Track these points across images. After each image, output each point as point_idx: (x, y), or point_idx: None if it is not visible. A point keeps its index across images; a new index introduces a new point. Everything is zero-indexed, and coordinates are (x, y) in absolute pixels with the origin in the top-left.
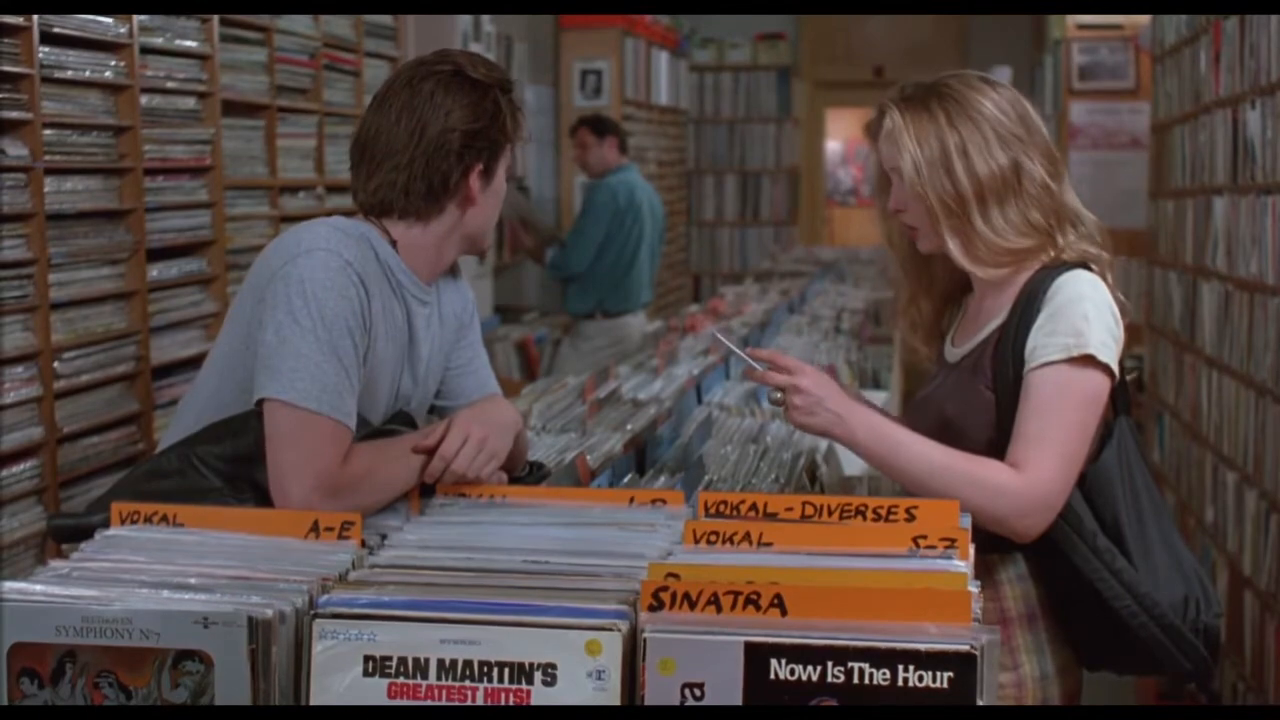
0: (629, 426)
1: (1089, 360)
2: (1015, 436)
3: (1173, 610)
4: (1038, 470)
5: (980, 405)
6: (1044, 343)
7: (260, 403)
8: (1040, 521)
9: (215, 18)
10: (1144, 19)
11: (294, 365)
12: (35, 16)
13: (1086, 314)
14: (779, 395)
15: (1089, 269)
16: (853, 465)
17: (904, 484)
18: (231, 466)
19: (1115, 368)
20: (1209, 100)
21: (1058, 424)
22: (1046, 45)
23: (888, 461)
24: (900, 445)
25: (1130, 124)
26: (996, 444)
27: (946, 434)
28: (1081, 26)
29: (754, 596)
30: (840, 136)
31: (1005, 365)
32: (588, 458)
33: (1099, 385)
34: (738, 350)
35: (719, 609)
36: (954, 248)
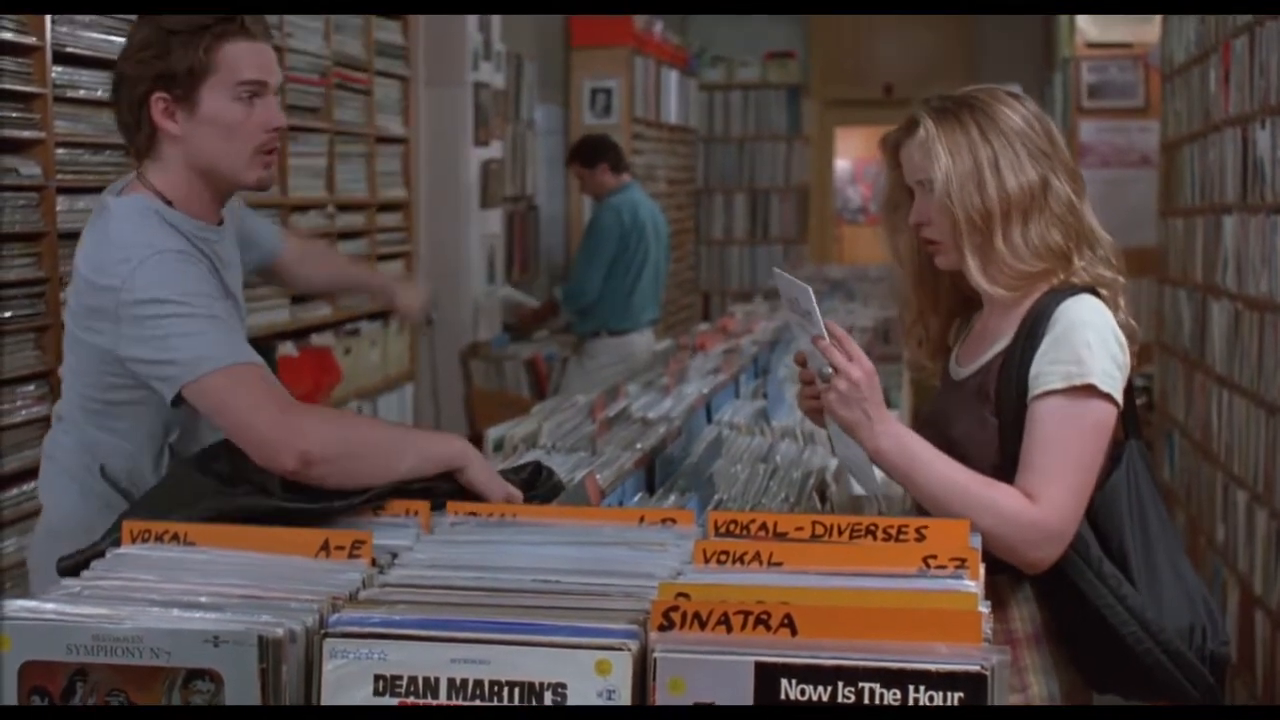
0: (639, 445)
1: (1091, 390)
2: (1024, 467)
3: (1179, 637)
4: (1050, 504)
5: (984, 430)
6: (1046, 370)
7: (180, 400)
8: (1052, 554)
9: None
10: (1153, 37)
11: (182, 347)
12: (48, 36)
13: (1089, 342)
14: (829, 372)
15: (1096, 294)
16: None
17: (921, 500)
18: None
19: (1119, 395)
20: (1219, 119)
21: (1066, 457)
22: (1056, 63)
23: (906, 475)
24: (920, 460)
25: (1140, 142)
26: (1000, 468)
27: (951, 455)
28: (1091, 45)
29: (764, 616)
30: (849, 155)
31: (1009, 390)
32: (598, 477)
33: (1103, 414)
34: (814, 312)
35: (729, 629)
36: (972, 265)
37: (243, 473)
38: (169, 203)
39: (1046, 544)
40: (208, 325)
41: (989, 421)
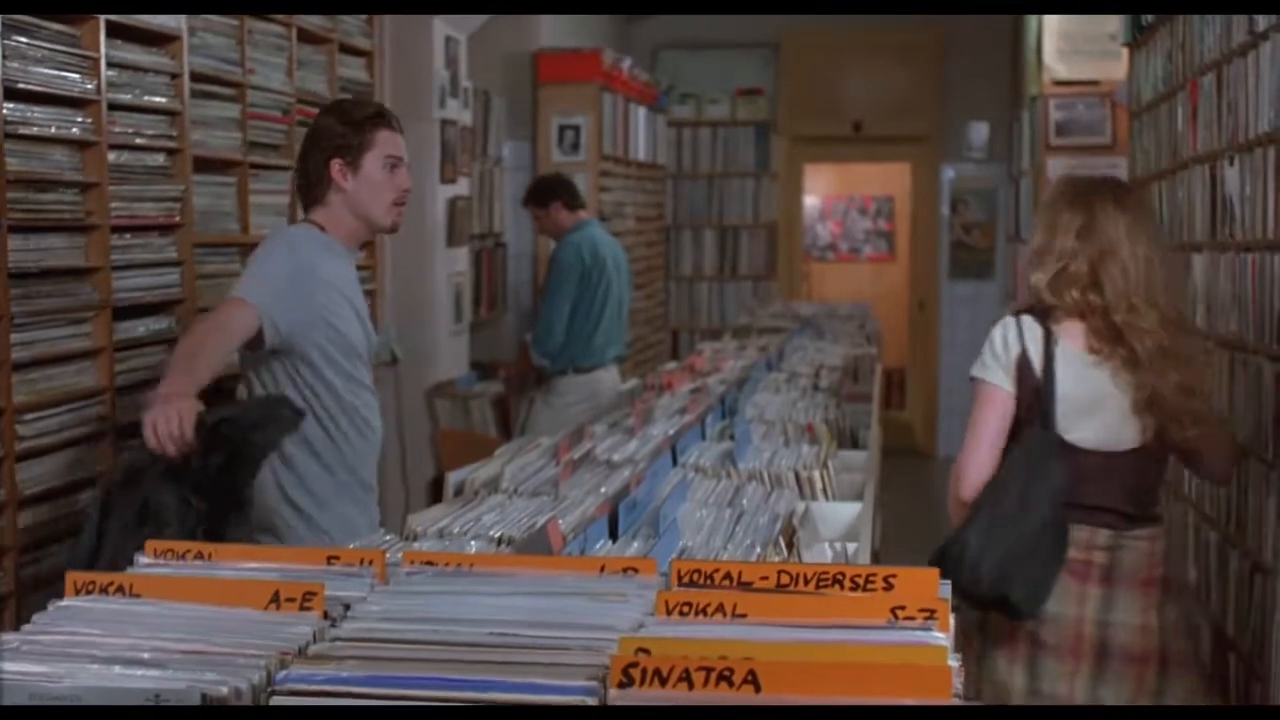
0: (603, 489)
1: (975, 379)
2: None
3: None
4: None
5: None
6: None
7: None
8: (952, 489)
9: (186, 74)
10: (1120, 75)
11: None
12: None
13: (983, 347)
14: None
15: (1025, 313)
16: (829, 529)
17: None
18: None
19: (993, 381)
20: (1187, 156)
21: (970, 422)
22: (1024, 101)
23: None
24: None
25: None
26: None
27: None
28: (1058, 82)
29: (727, 673)
30: (818, 192)
31: None
32: (559, 523)
33: (986, 393)
34: None
35: (691, 685)
36: None
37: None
38: (322, 228)
39: (952, 479)
40: (275, 282)
41: None
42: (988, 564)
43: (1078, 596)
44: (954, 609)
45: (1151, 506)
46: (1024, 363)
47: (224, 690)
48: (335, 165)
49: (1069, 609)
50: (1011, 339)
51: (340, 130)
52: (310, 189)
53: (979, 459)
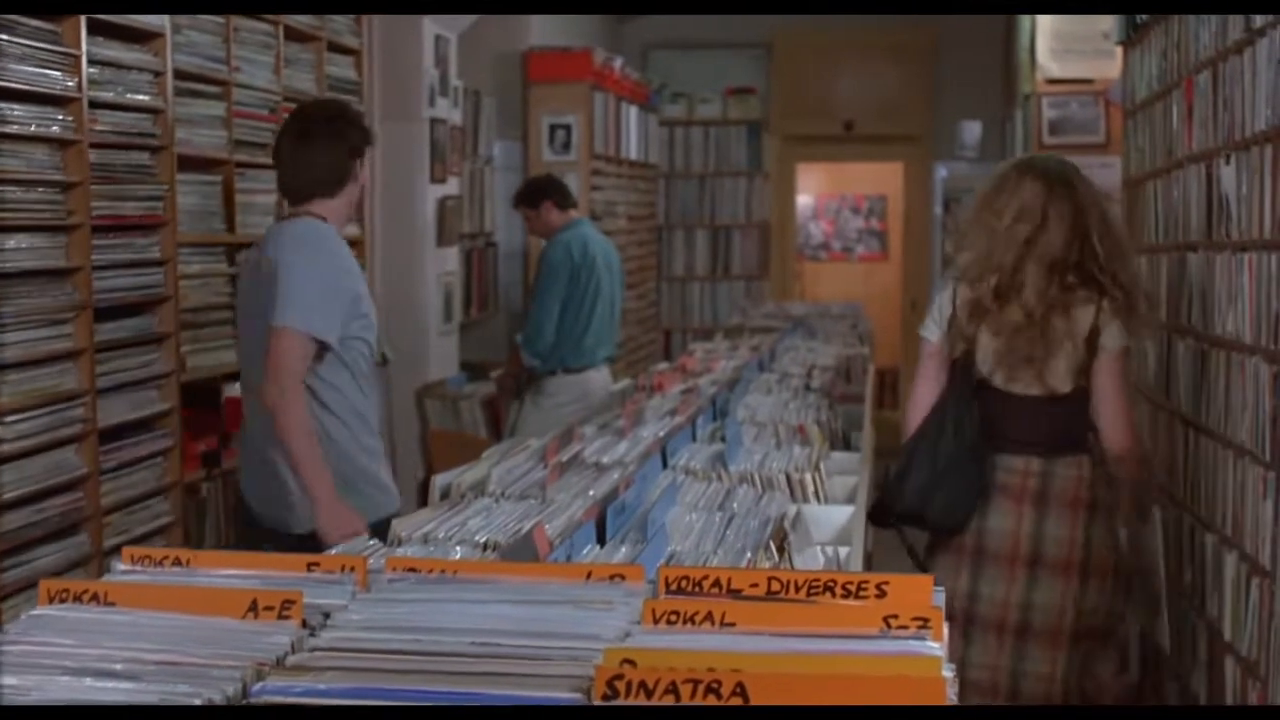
0: (591, 492)
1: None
2: None
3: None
4: None
5: None
6: None
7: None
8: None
9: (169, 72)
10: (1114, 73)
11: (288, 297)
12: None
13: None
14: None
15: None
16: (821, 532)
17: None
18: None
19: (929, 337)
20: (1182, 155)
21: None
22: (1017, 100)
23: None
24: None
25: (1101, 178)
26: None
27: None
28: (1051, 81)
29: (715, 685)
30: (811, 191)
31: None
32: (546, 528)
33: (925, 347)
34: None
35: (678, 697)
36: None
37: None
38: (323, 220)
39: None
40: (318, 296)
41: None
42: (908, 489)
43: (1015, 514)
44: (895, 527)
45: (1078, 439)
46: (955, 322)
47: (197, 703)
48: (358, 163)
49: (1008, 524)
50: (945, 302)
51: (362, 131)
52: (325, 181)
53: (919, 401)
